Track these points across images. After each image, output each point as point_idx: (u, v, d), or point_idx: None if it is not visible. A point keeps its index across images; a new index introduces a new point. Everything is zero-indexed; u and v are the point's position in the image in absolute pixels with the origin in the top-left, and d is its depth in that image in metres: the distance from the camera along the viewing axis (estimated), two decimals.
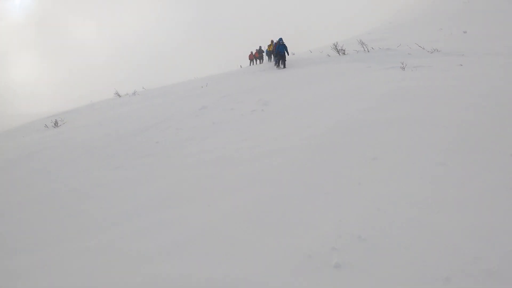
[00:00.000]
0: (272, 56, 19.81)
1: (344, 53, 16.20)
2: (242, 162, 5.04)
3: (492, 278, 2.29)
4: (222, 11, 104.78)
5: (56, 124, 10.51)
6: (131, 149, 7.16)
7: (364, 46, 16.24)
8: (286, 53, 16.31)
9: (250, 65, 23.86)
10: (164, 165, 5.84)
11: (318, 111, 6.84)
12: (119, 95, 17.28)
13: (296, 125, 6.22)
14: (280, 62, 16.33)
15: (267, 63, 21.47)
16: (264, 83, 12.31)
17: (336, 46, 16.75)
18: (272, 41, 19.42)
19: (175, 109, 10.31)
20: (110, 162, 6.59)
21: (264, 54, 22.80)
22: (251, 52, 24.10)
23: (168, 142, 7.09)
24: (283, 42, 16.27)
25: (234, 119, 7.80)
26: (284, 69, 15.74)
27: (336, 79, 9.97)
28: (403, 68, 9.71)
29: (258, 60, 23.80)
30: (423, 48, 15.54)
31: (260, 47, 23.55)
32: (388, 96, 6.56)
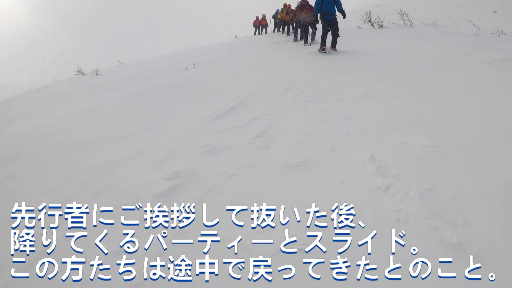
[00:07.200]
0: (287, 26, 15.10)
1: (381, 26, 12.69)
2: None
3: None
4: None
5: None
6: None
7: (406, 19, 12.82)
8: (337, 22, 8.39)
9: (254, 34, 19.26)
10: None
11: None
12: (82, 74, 12.82)
13: None
14: (331, 38, 8.67)
15: (277, 34, 17.25)
16: (325, 80, 6.24)
17: (369, 16, 13.16)
18: (285, 5, 14.07)
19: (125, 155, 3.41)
20: None
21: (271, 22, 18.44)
22: (257, 18, 19.11)
23: None
24: None
25: None
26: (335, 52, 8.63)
27: (448, 81, 5.99)
28: None
29: (267, 29, 19.37)
30: (479, 28, 12.54)
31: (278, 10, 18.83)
32: None
